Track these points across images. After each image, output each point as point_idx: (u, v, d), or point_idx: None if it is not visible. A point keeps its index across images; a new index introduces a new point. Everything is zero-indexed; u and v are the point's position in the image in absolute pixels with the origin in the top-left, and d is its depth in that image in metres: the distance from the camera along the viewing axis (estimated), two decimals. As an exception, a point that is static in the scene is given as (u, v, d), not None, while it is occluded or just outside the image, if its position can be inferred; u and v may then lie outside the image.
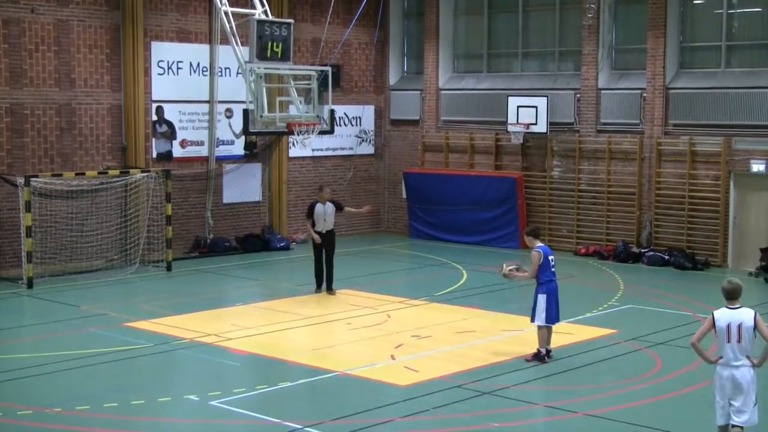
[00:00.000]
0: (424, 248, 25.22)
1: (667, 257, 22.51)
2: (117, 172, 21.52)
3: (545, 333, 14.15)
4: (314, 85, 20.69)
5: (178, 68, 23.35)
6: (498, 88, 25.89)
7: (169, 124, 23.36)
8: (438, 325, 16.52)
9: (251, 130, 20.18)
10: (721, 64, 22.81)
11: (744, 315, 9.76)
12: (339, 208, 19.53)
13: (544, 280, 14.05)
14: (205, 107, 23.95)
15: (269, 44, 19.89)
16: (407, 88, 27.99)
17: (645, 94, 23.27)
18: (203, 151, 24.01)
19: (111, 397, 12.38)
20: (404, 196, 27.29)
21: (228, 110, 24.33)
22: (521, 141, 24.99)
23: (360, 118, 27.58)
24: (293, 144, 24.65)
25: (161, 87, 23.07)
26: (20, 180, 19.64)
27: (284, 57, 20.22)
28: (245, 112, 19.77)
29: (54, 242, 20.67)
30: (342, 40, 25.95)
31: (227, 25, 20.62)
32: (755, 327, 9.70)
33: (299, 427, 11.28)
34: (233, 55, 20.61)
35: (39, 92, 21.05)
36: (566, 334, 15.41)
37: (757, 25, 22.67)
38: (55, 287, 19.59)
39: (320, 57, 25.54)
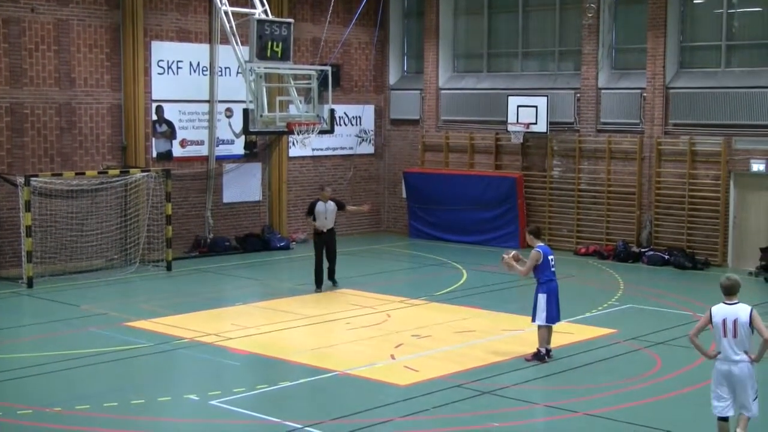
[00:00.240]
0: (424, 248, 25.22)
1: (667, 257, 22.51)
2: (117, 171, 21.52)
3: (545, 332, 14.16)
4: (314, 84, 20.71)
5: (178, 68, 23.35)
6: (498, 87, 25.88)
7: (169, 124, 23.35)
8: (438, 325, 16.52)
9: (251, 130, 20.23)
10: (721, 64, 22.81)
11: (740, 311, 9.81)
12: (341, 206, 19.57)
13: (545, 279, 14.06)
14: (205, 107, 23.94)
15: (269, 44, 19.93)
16: (407, 87, 27.97)
17: (645, 94, 23.26)
18: (203, 150, 24.01)
19: (111, 396, 12.37)
20: (404, 195, 27.27)
21: (228, 110, 24.32)
22: (521, 141, 24.98)
23: (360, 117, 27.57)
24: (293, 143, 24.65)
25: (161, 86, 23.07)
26: (20, 179, 19.64)
27: (284, 56, 20.26)
28: (245, 111, 19.80)
29: (54, 242, 20.67)
30: (342, 39, 25.93)
31: (227, 25, 20.64)
32: (751, 323, 9.74)
33: (299, 426, 11.28)
34: (233, 54, 20.63)
35: (39, 92, 21.05)
36: (566, 333, 15.41)
37: (757, 24, 22.66)
38: (55, 287, 19.59)
39: (320, 56, 25.53)
